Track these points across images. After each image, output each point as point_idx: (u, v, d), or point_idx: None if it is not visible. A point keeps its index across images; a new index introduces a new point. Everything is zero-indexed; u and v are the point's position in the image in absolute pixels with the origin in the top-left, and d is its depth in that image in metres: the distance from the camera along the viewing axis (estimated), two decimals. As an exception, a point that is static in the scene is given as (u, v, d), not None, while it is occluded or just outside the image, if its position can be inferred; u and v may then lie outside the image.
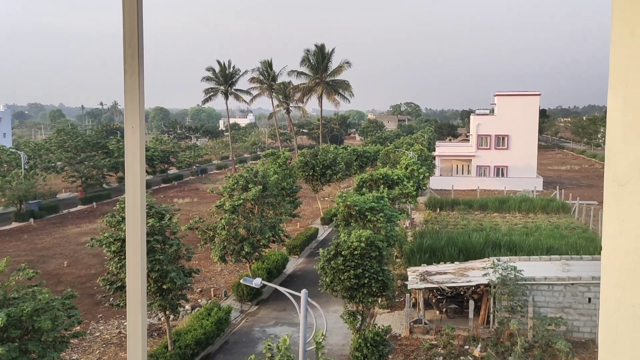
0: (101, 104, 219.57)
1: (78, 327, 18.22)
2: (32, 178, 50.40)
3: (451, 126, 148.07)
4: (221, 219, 26.91)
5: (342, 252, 19.97)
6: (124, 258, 20.88)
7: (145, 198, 3.18)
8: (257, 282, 14.49)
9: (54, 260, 34.70)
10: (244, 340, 23.31)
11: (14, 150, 61.04)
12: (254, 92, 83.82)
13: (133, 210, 3.11)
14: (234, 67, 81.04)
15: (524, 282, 22.02)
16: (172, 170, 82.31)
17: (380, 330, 19.74)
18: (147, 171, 72.29)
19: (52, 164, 61.26)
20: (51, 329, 14.35)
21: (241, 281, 15.83)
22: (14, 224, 46.94)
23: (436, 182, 63.78)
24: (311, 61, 78.92)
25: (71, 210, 54.00)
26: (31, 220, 47.86)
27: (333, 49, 79.07)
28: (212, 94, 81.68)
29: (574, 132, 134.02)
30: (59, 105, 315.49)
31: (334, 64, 79.28)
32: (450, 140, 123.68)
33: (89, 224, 46.84)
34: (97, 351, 21.99)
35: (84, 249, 37.38)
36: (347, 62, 79.55)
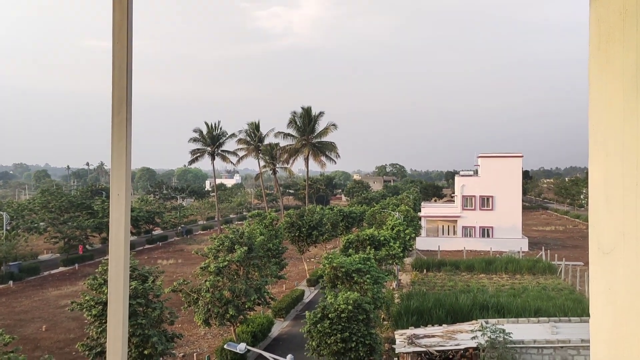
0: (87, 164, 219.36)
1: (53, 396, 17.41)
2: (14, 239, 49.53)
3: (436, 187, 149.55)
4: (206, 281, 26.45)
5: (329, 315, 19.63)
6: (105, 322, 20.32)
7: (129, 266, 3.14)
8: (241, 347, 14.09)
9: (32, 324, 33.59)
10: (227, 408, 22.39)
11: (-4, 211, 60.17)
12: (241, 153, 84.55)
13: (116, 279, 3.06)
14: (221, 128, 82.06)
15: (513, 345, 21.66)
16: (157, 231, 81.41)
17: (369, 397, 19.13)
18: (131, 232, 71.35)
19: (35, 225, 60.41)
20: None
21: (225, 346, 15.39)
22: (-8, 287, 45.66)
23: (422, 242, 63.73)
24: (298, 123, 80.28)
25: (52, 271, 52.75)
26: (10, 282, 46.59)
27: (320, 112, 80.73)
28: (198, 154, 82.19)
29: (557, 193, 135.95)
30: (44, 165, 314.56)
31: (320, 126, 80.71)
32: (435, 200, 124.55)
33: (70, 286, 45.69)
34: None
35: (64, 312, 36.26)
36: (333, 124, 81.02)
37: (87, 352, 21.16)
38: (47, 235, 61.65)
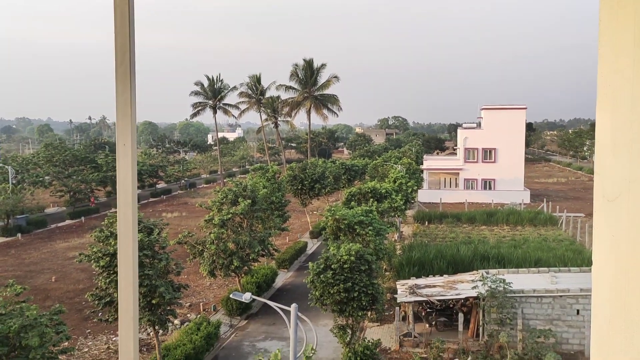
0: (89, 118, 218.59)
1: (66, 343, 17.96)
2: (20, 193, 49.91)
3: (439, 140, 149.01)
4: (210, 233, 26.81)
5: (332, 266, 19.96)
6: (113, 273, 20.73)
7: (137, 214, 3.19)
8: (246, 296, 14.42)
9: (42, 275, 34.30)
10: (234, 355, 23.11)
11: (1, 165, 60.44)
12: (243, 107, 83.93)
13: (125, 227, 3.12)
14: (222, 81, 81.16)
15: (513, 295, 22.11)
16: (161, 185, 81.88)
17: (370, 344, 19.68)
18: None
19: (40, 179, 60.76)
20: (39, 345, 14.17)
21: (231, 296, 15.74)
22: (1, 239, 46.37)
23: (424, 195, 64.03)
24: (299, 75, 79.29)
25: (59, 224, 53.48)
26: (18, 235, 47.31)
27: (322, 64, 79.57)
28: (200, 108, 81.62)
29: (560, 145, 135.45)
30: (47, 119, 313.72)
31: (322, 79, 79.78)
32: (437, 153, 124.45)
33: (77, 238, 46.39)
34: (85, 368, 21.69)
35: (72, 263, 36.96)
36: (336, 77, 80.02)
37: (96, 302, 21.64)
38: (53, 188, 62.16)
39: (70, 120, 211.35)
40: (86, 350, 23.39)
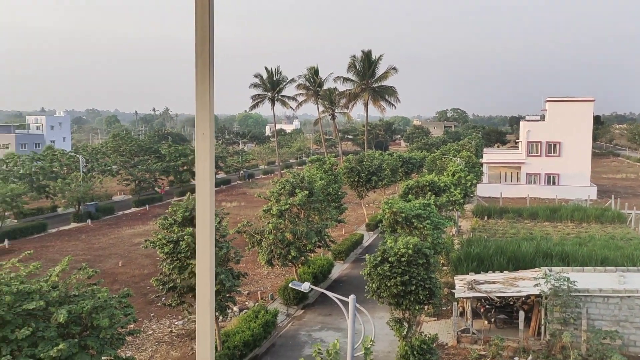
0: (153, 110, 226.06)
1: (132, 325, 18.84)
2: (90, 181, 52.48)
3: (499, 133, 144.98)
4: (268, 223, 27.30)
5: (389, 259, 19.94)
6: (176, 259, 21.53)
7: (214, 201, 3.37)
8: (305, 286, 14.66)
9: (110, 260, 35.98)
10: (291, 343, 23.54)
11: (73, 154, 63.66)
12: (300, 99, 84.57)
13: (203, 213, 3.31)
14: (280, 73, 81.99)
15: (578, 294, 21.38)
16: (220, 175, 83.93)
17: (427, 338, 19.57)
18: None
19: (108, 168, 63.58)
20: (109, 326, 14.92)
21: (290, 285, 16.05)
22: (73, 224, 48.98)
23: (484, 189, 62.61)
24: (357, 67, 79.09)
25: (125, 212, 55.90)
26: (88, 221, 49.83)
27: (380, 56, 79.03)
28: (259, 100, 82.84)
29: (630, 140, 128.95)
30: (114, 111, 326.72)
31: (380, 70, 79.25)
32: (498, 147, 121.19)
33: (142, 225, 48.34)
34: (150, 349, 22.66)
35: (138, 249, 38.58)
36: (394, 68, 79.32)
37: (160, 287, 22.54)
38: (120, 177, 65.01)
39: (136, 111, 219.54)
40: (150, 332, 24.40)
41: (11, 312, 14.19)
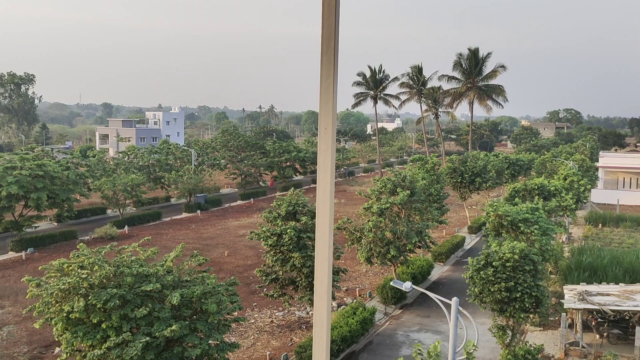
0: (259, 107, 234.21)
1: (236, 313, 19.72)
2: (200, 174, 55.53)
3: (618, 135, 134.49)
4: (368, 221, 27.40)
5: (493, 263, 19.30)
6: (279, 252, 22.27)
7: (334, 194, 3.50)
8: (406, 285, 14.60)
9: (217, 249, 37.87)
10: (388, 342, 23.50)
11: (186, 147, 67.68)
12: (403, 97, 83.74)
13: (323, 205, 3.45)
14: (383, 72, 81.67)
15: None
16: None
17: (532, 348, 18.71)
18: (298, 171, 75.76)
19: (217, 162, 66.89)
20: (216, 312, 15.77)
21: (391, 283, 16.05)
22: (184, 214, 52.14)
23: (598, 195, 58.54)
24: (463, 65, 76.96)
25: (232, 204, 58.57)
26: (198, 211, 52.79)
27: (488, 54, 76.35)
28: (361, 98, 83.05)
29: None
30: (223, 108, 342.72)
31: (487, 68, 76.57)
32: (616, 150, 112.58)
33: (247, 218, 50.38)
34: (252, 337, 23.61)
35: (242, 240, 40.29)
36: (502, 66, 76.25)
37: (263, 278, 23.47)
38: (227, 171, 68.18)
39: (243, 109, 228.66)
40: (252, 321, 25.40)
41: (131, 292, 15.42)
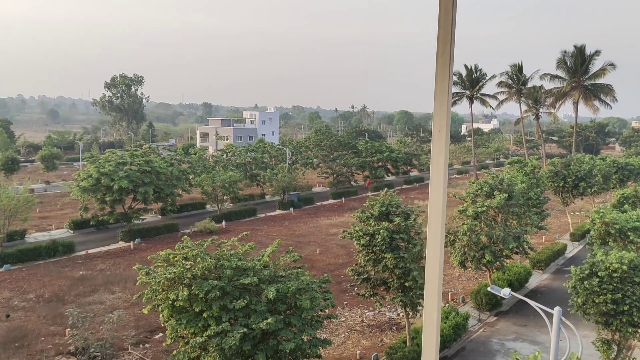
0: (352, 107, 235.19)
1: (327, 310, 20.03)
2: (294, 172, 56.81)
3: None
4: (463, 224, 26.78)
5: (599, 273, 18.22)
6: (371, 252, 22.30)
7: (446, 196, 3.53)
8: (505, 292, 14.15)
9: (309, 246, 38.59)
10: (482, 350, 22.86)
11: (280, 146, 69.50)
12: (501, 97, 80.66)
13: (435, 206, 3.49)
14: (480, 71, 79.15)
15: None
16: (414, 172, 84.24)
17: (641, 366, 17.46)
18: (390, 172, 75.33)
19: (310, 161, 68.10)
20: (310, 308, 16.12)
21: (488, 289, 15.61)
22: (278, 211, 53.60)
23: None
24: (568, 63, 72.86)
25: (323, 203, 59.41)
26: (291, 209, 54.06)
27: (596, 51, 71.74)
28: (457, 98, 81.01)
29: None
30: (316, 107, 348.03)
31: (595, 67, 71.99)
32: None
33: (338, 217, 50.88)
34: (342, 335, 23.87)
35: (334, 239, 40.78)
36: (611, 64, 71.34)
37: (355, 277, 23.58)
38: (319, 170, 69.22)
39: (336, 108, 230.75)
40: (343, 320, 25.66)
41: (230, 284, 16.14)
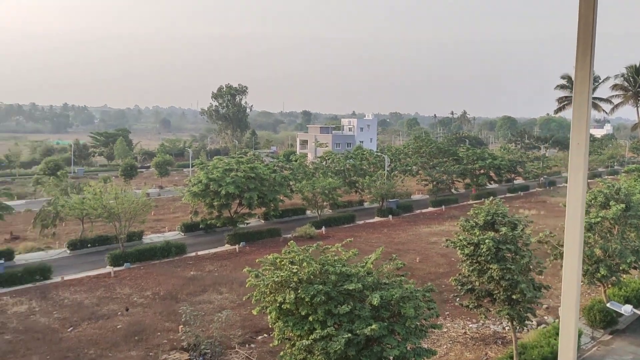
0: (452, 113, 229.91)
1: (430, 320, 19.75)
2: (392, 179, 56.59)
3: None
4: (575, 235, 25.30)
5: None
6: (476, 262, 21.75)
7: (584, 211, 3.50)
8: (626, 309, 13.28)
9: (408, 254, 38.24)
10: (596, 370, 21.50)
11: (378, 153, 69.51)
12: (616, 101, 75.23)
13: (573, 220, 3.48)
14: (592, 73, 74.35)
15: None
16: (518, 181, 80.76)
17: None
18: (493, 179, 72.79)
19: (409, 168, 67.49)
20: (414, 316, 16.04)
21: (608, 305, 14.73)
22: (376, 218, 53.65)
23: None
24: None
25: (422, 210, 58.62)
26: (390, 216, 53.88)
27: None
28: (566, 102, 76.62)
29: None
30: (414, 114, 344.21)
31: None
32: None
33: (438, 225, 49.97)
34: (444, 346, 23.44)
35: (434, 247, 40.13)
36: None
37: (458, 287, 23.11)
38: (419, 177, 68.38)
39: (435, 114, 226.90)
40: (445, 330, 25.16)
41: (335, 289, 16.45)
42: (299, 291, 16.04)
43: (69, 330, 24.67)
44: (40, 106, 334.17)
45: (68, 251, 39.04)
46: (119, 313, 26.88)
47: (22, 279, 31.36)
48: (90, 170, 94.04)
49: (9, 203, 41.24)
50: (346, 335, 15.10)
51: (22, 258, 36.71)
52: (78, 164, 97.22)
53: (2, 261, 32.84)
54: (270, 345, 18.14)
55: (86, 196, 37.60)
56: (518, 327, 21.97)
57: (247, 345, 23.31)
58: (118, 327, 25.04)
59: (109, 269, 34.50)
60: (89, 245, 39.94)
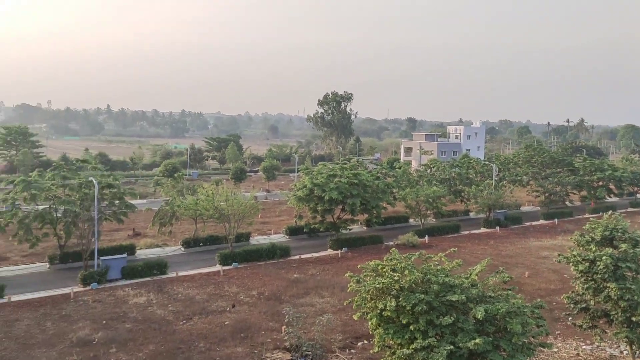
0: (567, 121, 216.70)
1: (540, 338, 18.74)
2: (501, 189, 54.39)
3: None
4: None
5: None
6: (591, 280, 20.37)
7: None
8: None
9: (516, 269, 36.54)
10: None
11: (486, 162, 67.11)
12: None
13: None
14: None
15: None
16: (643, 194, 74.28)
17: None
18: (613, 193, 67.63)
19: (519, 178, 64.49)
20: (521, 333, 15.33)
21: None
22: (482, 229, 51.82)
23: None
24: None
25: (533, 223, 55.72)
26: (497, 227, 51.80)
27: None
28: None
29: None
30: (525, 122, 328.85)
31: None
32: None
33: (550, 239, 47.29)
34: (554, 366, 22.10)
35: (544, 262, 38.05)
36: None
37: (571, 306, 21.78)
38: (529, 188, 65.11)
39: (548, 122, 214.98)
40: (555, 350, 23.75)
41: (437, 299, 16.16)
42: (400, 299, 15.96)
43: (181, 323, 26.30)
44: (161, 112, 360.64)
45: (182, 249, 41.60)
46: (227, 310, 28.21)
47: (142, 273, 33.89)
48: (204, 173, 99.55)
49: (133, 202, 44.65)
50: (448, 347, 14.78)
51: (142, 253, 39.70)
52: (193, 167, 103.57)
53: (125, 255, 35.67)
54: (370, 352, 18.19)
55: (199, 197, 39.96)
56: (638, 352, 20.24)
57: (347, 350, 23.47)
58: (225, 323, 26.29)
59: (218, 267, 36.31)
60: (200, 244, 42.28)
